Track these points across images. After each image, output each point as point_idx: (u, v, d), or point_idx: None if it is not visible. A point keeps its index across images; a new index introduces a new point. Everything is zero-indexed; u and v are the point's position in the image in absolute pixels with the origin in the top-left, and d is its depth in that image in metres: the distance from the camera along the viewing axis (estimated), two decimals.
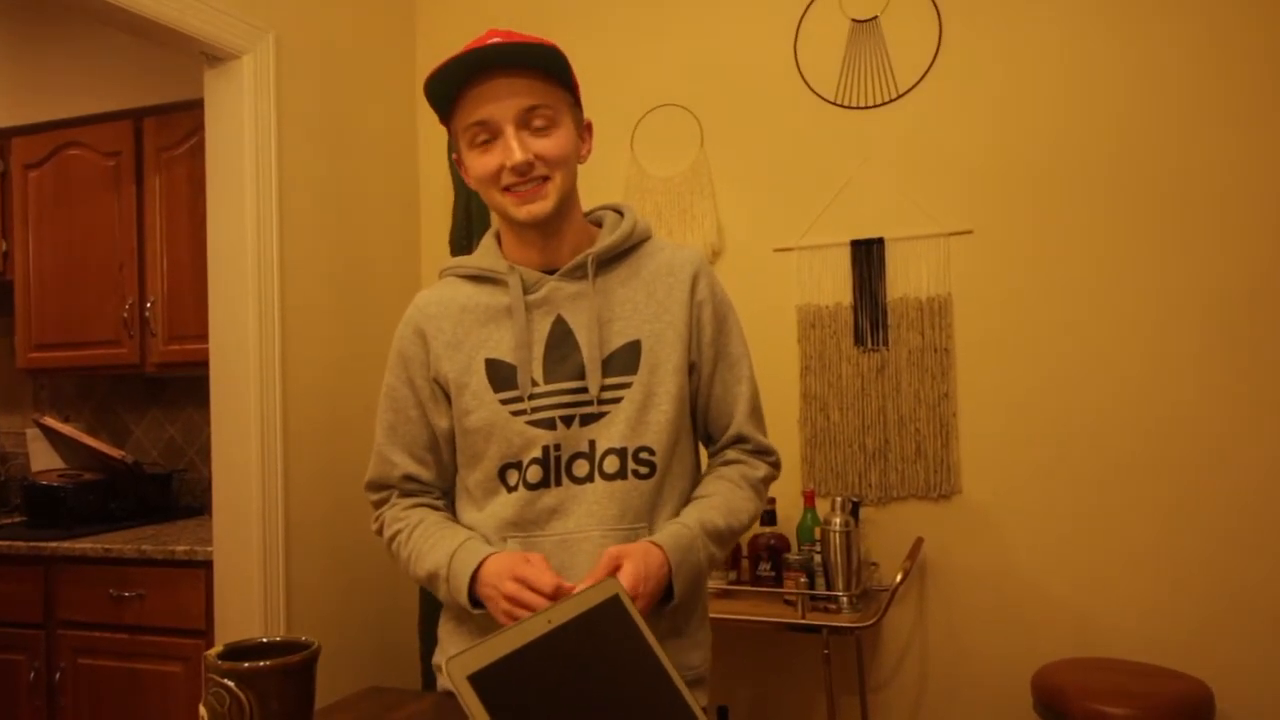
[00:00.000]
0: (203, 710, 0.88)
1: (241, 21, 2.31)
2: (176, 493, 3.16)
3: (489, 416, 1.23)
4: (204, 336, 2.42)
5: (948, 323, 2.43)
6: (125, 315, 2.87)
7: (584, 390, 1.22)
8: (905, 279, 2.47)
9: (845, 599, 2.16)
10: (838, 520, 2.19)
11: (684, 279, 1.29)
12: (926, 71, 2.48)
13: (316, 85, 2.57)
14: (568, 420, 1.22)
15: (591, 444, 1.23)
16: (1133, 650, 2.27)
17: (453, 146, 1.28)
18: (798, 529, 2.35)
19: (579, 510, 1.22)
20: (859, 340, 2.50)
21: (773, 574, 2.32)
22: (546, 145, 1.20)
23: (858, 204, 2.53)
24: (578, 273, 1.26)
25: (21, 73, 3.35)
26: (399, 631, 2.77)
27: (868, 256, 2.49)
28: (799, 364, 2.56)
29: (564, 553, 1.22)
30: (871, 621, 2.11)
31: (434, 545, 1.24)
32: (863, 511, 2.47)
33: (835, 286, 2.53)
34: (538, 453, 1.22)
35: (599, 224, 1.34)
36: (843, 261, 2.53)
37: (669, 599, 1.19)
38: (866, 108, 2.53)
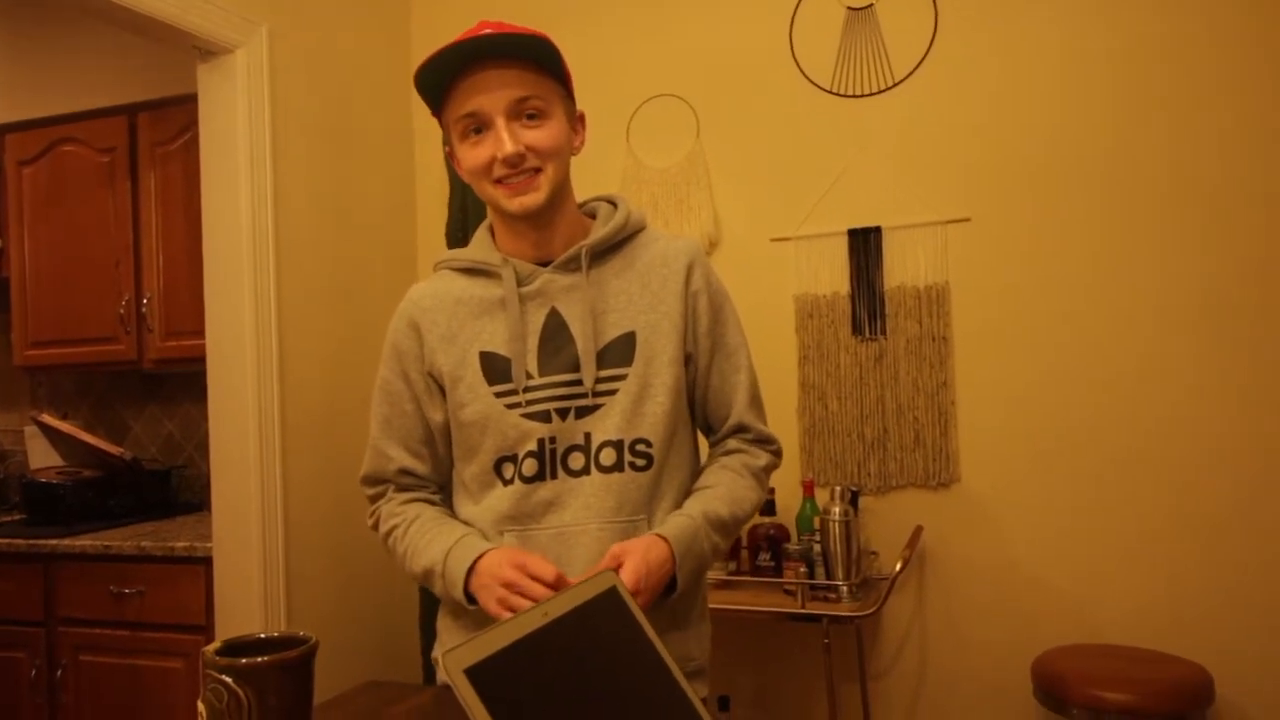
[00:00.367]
0: (201, 707, 0.88)
1: (234, 15, 2.30)
2: (175, 489, 3.16)
3: (484, 409, 1.23)
4: (201, 332, 2.42)
5: (945, 311, 2.43)
6: (122, 311, 2.86)
7: (579, 383, 1.22)
8: (903, 267, 2.47)
9: (845, 588, 2.17)
10: (837, 510, 2.19)
11: (678, 269, 1.28)
12: (923, 59, 2.47)
13: (310, 78, 2.56)
14: (563, 413, 1.22)
15: (587, 436, 1.22)
16: (1132, 637, 2.27)
17: (445, 139, 1.27)
18: (797, 519, 2.35)
19: (575, 503, 1.22)
20: (857, 329, 2.50)
21: (772, 564, 2.32)
22: (538, 136, 1.19)
23: (854, 193, 2.52)
24: (572, 265, 1.25)
25: (15, 69, 3.33)
26: (399, 625, 2.77)
27: (865, 245, 2.49)
28: (797, 354, 2.56)
29: (561, 546, 1.21)
30: (871, 610, 2.11)
31: (430, 541, 1.24)
32: (862, 501, 2.47)
33: (833, 276, 2.53)
34: (533, 445, 1.22)
35: (593, 215, 1.33)
36: (840, 251, 2.52)
37: (672, 589, 1.19)
38: (863, 96, 2.52)
